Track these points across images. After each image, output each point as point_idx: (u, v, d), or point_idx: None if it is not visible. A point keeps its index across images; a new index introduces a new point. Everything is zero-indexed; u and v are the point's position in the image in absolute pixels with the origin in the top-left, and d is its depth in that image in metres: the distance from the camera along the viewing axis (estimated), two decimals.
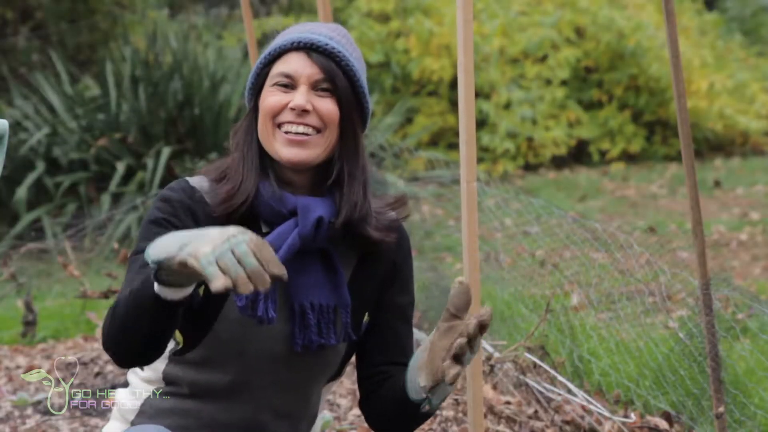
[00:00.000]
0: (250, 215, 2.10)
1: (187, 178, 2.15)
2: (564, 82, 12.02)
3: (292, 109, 2.07)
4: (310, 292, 2.11)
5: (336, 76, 2.08)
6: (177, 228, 2.04)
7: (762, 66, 14.11)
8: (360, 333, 2.20)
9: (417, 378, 2.02)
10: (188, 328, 2.11)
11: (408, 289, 2.26)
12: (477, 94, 11.42)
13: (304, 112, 2.07)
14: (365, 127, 2.18)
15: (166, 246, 1.81)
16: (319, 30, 2.13)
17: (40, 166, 8.58)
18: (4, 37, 10.88)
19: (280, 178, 2.12)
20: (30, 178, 8.47)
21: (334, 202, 2.11)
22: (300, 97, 2.07)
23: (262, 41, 10.78)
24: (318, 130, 2.08)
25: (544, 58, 12.05)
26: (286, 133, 2.08)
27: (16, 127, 8.81)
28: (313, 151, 2.08)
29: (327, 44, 2.09)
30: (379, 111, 10.92)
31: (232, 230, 1.75)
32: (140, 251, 2.04)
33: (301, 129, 2.07)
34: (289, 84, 2.09)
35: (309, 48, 2.09)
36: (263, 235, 2.09)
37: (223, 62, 9.62)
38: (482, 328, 1.92)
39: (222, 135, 8.76)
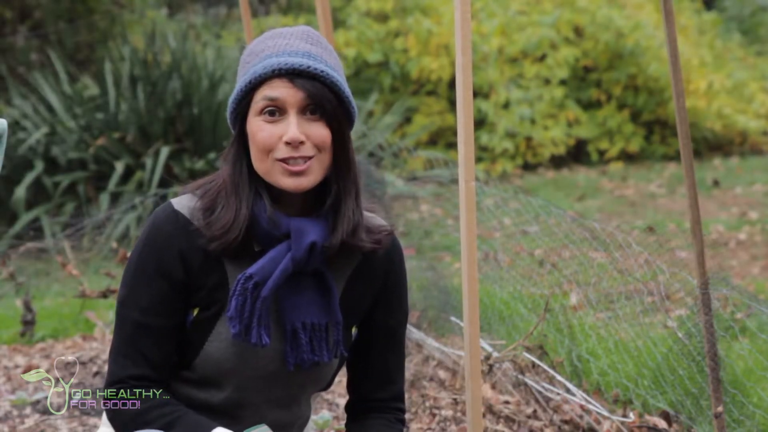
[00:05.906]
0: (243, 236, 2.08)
1: (173, 203, 2.11)
2: (563, 82, 12.02)
3: (287, 143, 2.03)
4: (302, 311, 2.11)
5: (323, 99, 2.04)
6: (166, 279, 2.06)
7: (761, 65, 14.11)
8: (349, 346, 2.22)
9: None
10: (180, 348, 2.12)
11: (399, 308, 2.25)
12: (476, 94, 11.41)
13: (300, 143, 2.04)
14: (352, 126, 2.15)
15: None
16: (296, 46, 2.06)
17: (39, 166, 8.57)
18: (3, 36, 10.87)
19: (273, 196, 2.10)
20: (29, 178, 8.47)
21: (327, 222, 2.10)
22: (293, 130, 2.03)
23: None
24: (313, 156, 2.05)
25: (542, 58, 12.05)
26: (285, 162, 2.05)
27: (14, 126, 8.80)
28: (312, 177, 2.06)
29: (309, 67, 2.03)
30: (377, 110, 10.90)
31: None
32: (127, 300, 2.09)
33: (299, 162, 2.04)
34: (276, 110, 2.05)
35: (291, 74, 2.03)
36: (256, 254, 2.09)
37: (221, 62, 9.61)
38: None
39: (221, 134, 8.76)
